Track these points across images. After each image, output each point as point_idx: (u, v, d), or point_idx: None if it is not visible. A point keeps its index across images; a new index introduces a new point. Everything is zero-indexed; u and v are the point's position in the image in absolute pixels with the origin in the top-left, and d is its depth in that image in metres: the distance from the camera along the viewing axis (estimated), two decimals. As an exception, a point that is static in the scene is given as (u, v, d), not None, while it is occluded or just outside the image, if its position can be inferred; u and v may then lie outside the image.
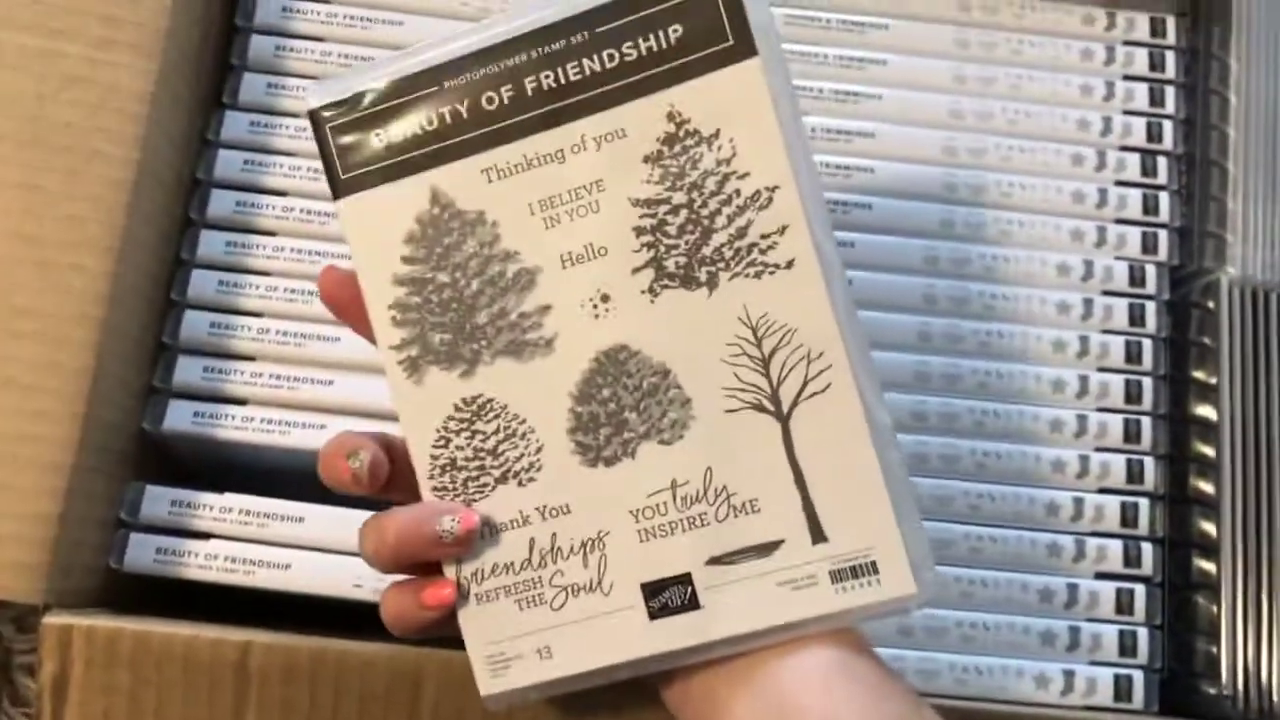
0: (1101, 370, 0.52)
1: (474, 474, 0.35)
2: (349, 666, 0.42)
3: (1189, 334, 0.53)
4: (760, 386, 0.34)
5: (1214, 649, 0.48)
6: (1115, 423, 0.51)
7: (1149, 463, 0.51)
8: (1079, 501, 0.50)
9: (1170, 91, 0.55)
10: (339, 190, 0.36)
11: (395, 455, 0.36)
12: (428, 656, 0.42)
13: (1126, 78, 0.56)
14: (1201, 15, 0.57)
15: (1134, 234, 0.54)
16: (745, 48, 0.34)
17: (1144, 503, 0.50)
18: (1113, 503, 0.50)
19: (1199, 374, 0.52)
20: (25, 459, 0.43)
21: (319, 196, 0.51)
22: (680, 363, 0.34)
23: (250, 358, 0.49)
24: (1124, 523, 0.50)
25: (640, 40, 0.34)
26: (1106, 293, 0.53)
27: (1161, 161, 0.55)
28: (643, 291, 0.34)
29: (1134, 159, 0.55)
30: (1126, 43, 0.56)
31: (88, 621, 0.41)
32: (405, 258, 0.35)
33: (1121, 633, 0.49)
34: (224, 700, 0.41)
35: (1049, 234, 0.53)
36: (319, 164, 0.51)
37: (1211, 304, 0.52)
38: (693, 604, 0.34)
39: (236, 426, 0.48)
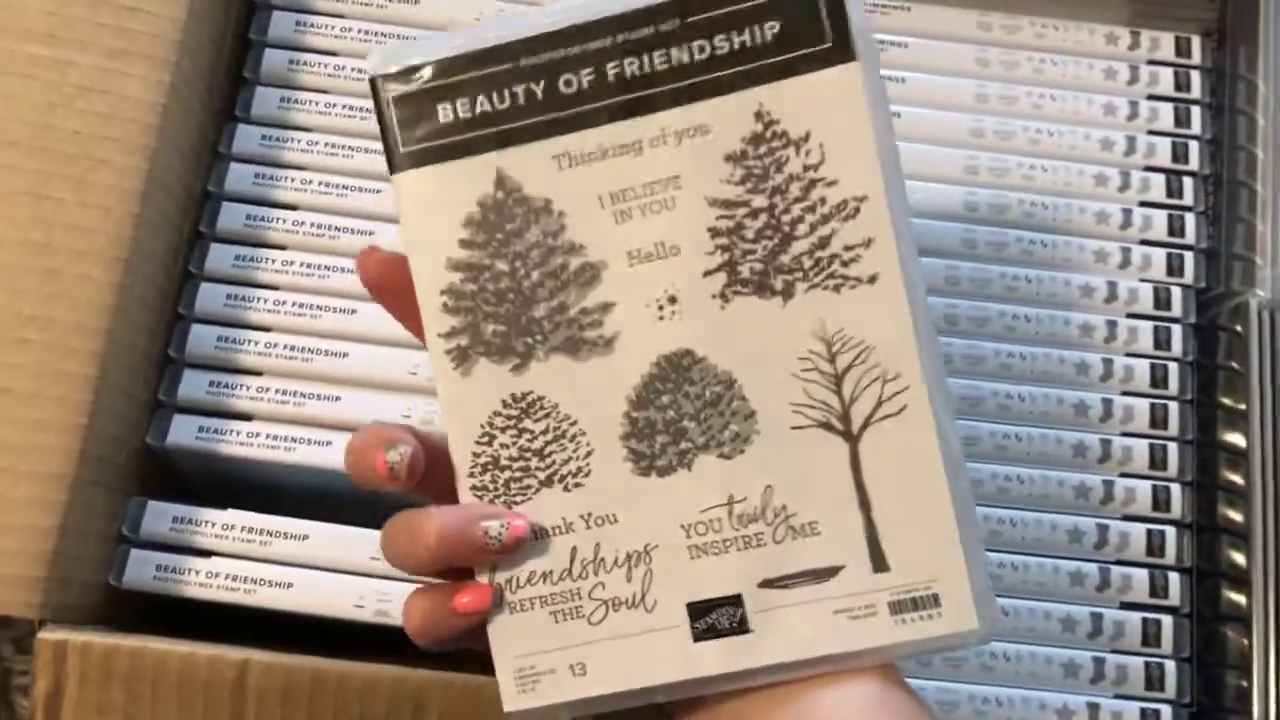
0: (1126, 394, 0.51)
1: (517, 475, 0.33)
2: (349, 688, 0.41)
3: (1217, 358, 0.51)
4: (830, 404, 0.32)
5: (1245, 683, 0.47)
6: (1140, 448, 0.50)
7: (1175, 489, 0.49)
8: (1104, 528, 0.49)
9: (1196, 111, 0.54)
10: (396, 164, 0.33)
11: (425, 449, 0.34)
12: (431, 679, 0.41)
13: (1151, 97, 0.55)
14: (1228, 35, 0.56)
15: (1159, 255, 0.53)
16: (844, 51, 0.32)
17: (1171, 531, 0.49)
18: (1138, 530, 0.49)
19: (1227, 399, 0.50)
20: (25, 470, 0.42)
21: (330, 211, 0.51)
22: (747, 374, 0.33)
23: (257, 372, 0.49)
24: (1150, 551, 0.49)
25: (734, 34, 0.32)
26: (1131, 315, 0.52)
27: (1187, 182, 0.53)
28: (713, 296, 0.33)
29: (1159, 179, 0.53)
30: (1151, 62, 0.55)
31: (83, 637, 0.41)
32: (463, 241, 0.33)
33: (1148, 665, 0.47)
34: (220, 720, 0.40)
35: (1072, 255, 0.52)
36: (331, 178, 0.51)
37: (1240, 327, 0.50)
38: (742, 627, 0.32)
39: (241, 442, 0.48)
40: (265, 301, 0.49)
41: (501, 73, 0.33)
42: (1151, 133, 0.54)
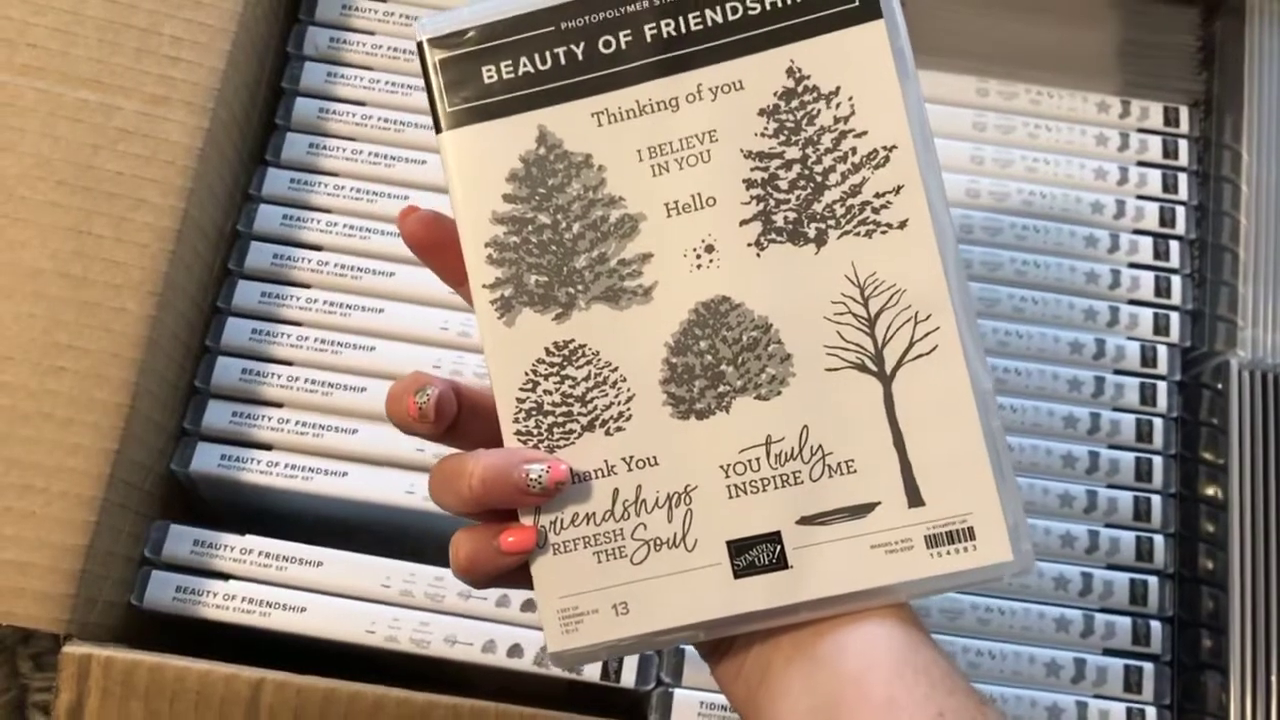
0: (1112, 447, 0.53)
1: (560, 420, 0.34)
2: (359, 709, 0.42)
3: (1200, 415, 0.53)
4: (864, 346, 0.33)
5: (1223, 731, 0.48)
6: (1125, 500, 0.52)
7: (1159, 540, 0.51)
8: (1087, 576, 0.51)
9: (1183, 178, 0.57)
10: (442, 124, 0.35)
11: (463, 401, 0.35)
12: (436, 703, 0.43)
13: (1140, 164, 0.57)
14: (1214, 106, 0.58)
15: (1146, 315, 0.55)
16: (870, 9, 0.34)
17: (1153, 580, 0.51)
18: (1122, 579, 0.51)
19: (1209, 454, 0.52)
20: (57, 490, 0.44)
21: (353, 252, 0.53)
22: (782, 318, 0.34)
23: (278, 404, 0.51)
24: (1133, 600, 0.51)
25: None
26: (1118, 371, 0.54)
27: (1174, 245, 0.56)
28: (749, 244, 0.34)
29: (1147, 242, 0.56)
30: (1141, 130, 0.58)
31: (106, 652, 0.42)
32: (507, 196, 0.35)
33: (1130, 710, 0.49)
34: (234, 736, 0.42)
35: (1062, 312, 0.54)
36: (355, 221, 0.54)
37: (1222, 385, 0.52)
38: (781, 563, 0.33)
39: (261, 471, 0.50)
40: (289, 337, 0.52)
41: (543, 35, 0.34)
42: (1140, 197, 0.57)
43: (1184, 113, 0.58)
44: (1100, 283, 0.55)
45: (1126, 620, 0.50)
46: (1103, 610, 0.50)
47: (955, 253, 0.34)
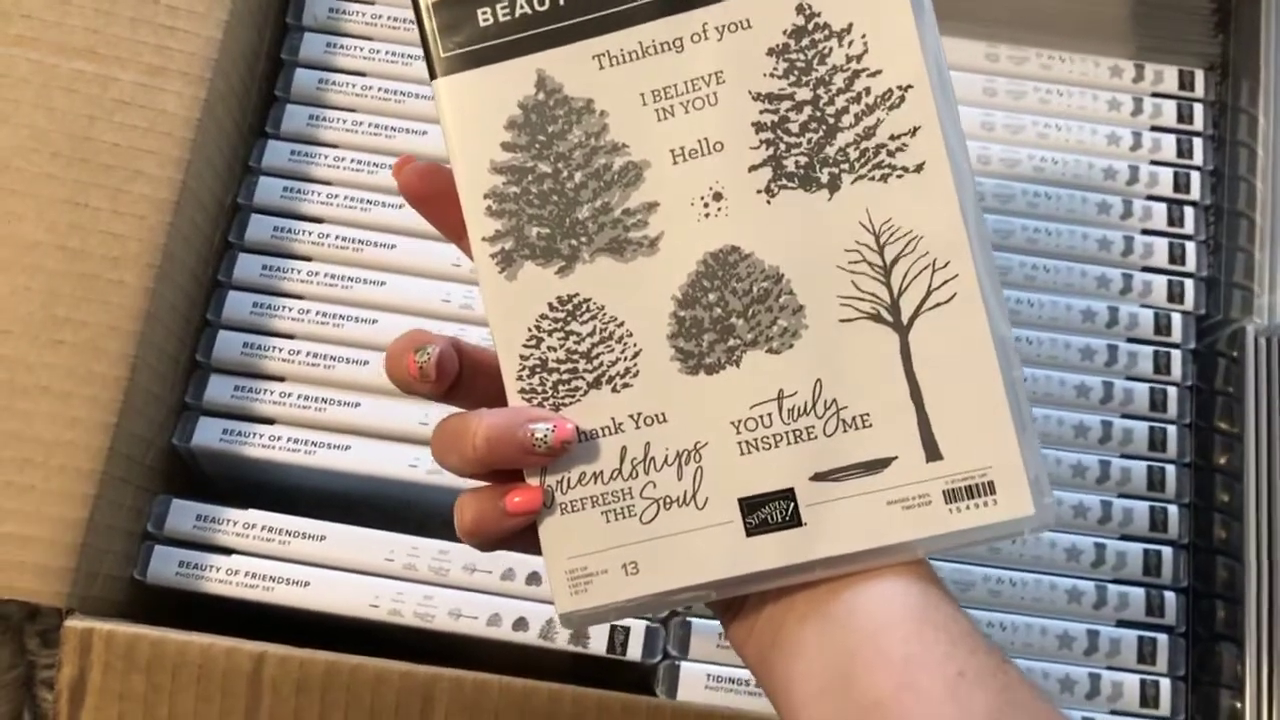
0: (1125, 417, 0.52)
1: (565, 377, 0.33)
2: (361, 681, 0.42)
3: (1215, 383, 0.52)
4: (879, 296, 0.32)
5: (1238, 703, 0.48)
6: (1139, 469, 0.51)
7: (1173, 510, 0.50)
8: (1101, 548, 0.50)
9: (1198, 143, 0.56)
10: (437, 70, 0.33)
11: (465, 359, 0.33)
12: (439, 675, 0.43)
13: (1154, 129, 0.56)
14: (1230, 70, 0.57)
15: (1160, 282, 0.54)
16: None
17: (1167, 551, 0.50)
18: (1135, 550, 0.50)
19: (1224, 423, 0.51)
20: (56, 464, 0.44)
21: (354, 225, 0.53)
22: (794, 268, 0.32)
23: (280, 378, 0.51)
24: (1147, 570, 0.50)
25: None
26: (1132, 340, 0.53)
27: (1189, 211, 0.55)
28: (758, 191, 0.32)
29: (1160, 208, 0.55)
30: (1155, 95, 0.57)
31: (108, 626, 0.42)
32: (505, 144, 0.33)
33: (1143, 682, 0.48)
34: (236, 710, 0.42)
35: (1075, 280, 0.54)
36: (356, 193, 0.53)
37: (1237, 353, 0.52)
38: (794, 521, 0.32)
39: (264, 445, 0.49)
40: (290, 310, 0.51)
41: None
42: (1154, 163, 0.56)
43: (1199, 76, 0.57)
44: (1113, 249, 0.54)
45: (1140, 591, 0.49)
46: (1116, 581, 0.50)
47: (974, 197, 0.32)
